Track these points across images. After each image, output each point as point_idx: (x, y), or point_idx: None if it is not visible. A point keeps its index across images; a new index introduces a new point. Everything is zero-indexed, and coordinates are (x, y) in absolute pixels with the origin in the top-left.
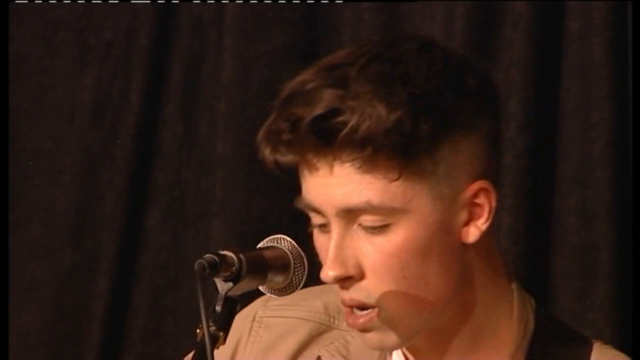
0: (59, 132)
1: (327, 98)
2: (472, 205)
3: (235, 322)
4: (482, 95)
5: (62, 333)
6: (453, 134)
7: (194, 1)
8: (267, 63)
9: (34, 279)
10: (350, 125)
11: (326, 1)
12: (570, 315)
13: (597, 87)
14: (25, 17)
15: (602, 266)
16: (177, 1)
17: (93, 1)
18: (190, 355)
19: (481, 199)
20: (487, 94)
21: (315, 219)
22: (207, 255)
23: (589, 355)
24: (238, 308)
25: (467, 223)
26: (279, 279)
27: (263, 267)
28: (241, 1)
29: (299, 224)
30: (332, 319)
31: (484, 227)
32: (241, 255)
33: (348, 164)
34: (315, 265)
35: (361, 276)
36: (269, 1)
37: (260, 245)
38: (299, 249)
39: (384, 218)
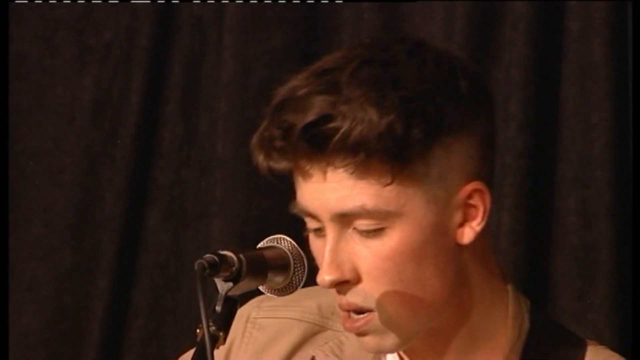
0: (59, 132)
1: (318, 104)
2: (467, 206)
3: None
4: (474, 97)
5: (62, 333)
6: (446, 136)
7: (194, 1)
8: (267, 63)
9: (34, 279)
10: (342, 131)
11: (326, 1)
12: (570, 316)
13: (597, 87)
14: (25, 17)
15: (602, 266)
16: (177, 1)
17: (93, 1)
18: (186, 354)
19: (475, 200)
20: (479, 95)
21: (311, 224)
22: (207, 255)
23: (584, 355)
24: (238, 308)
25: (461, 224)
26: (279, 279)
27: (263, 267)
28: (241, 1)
29: (299, 224)
30: (325, 320)
31: (478, 228)
32: (241, 255)
33: (341, 170)
34: (314, 266)
35: (357, 280)
36: (269, 1)
37: (260, 245)
38: (299, 249)
39: (379, 222)
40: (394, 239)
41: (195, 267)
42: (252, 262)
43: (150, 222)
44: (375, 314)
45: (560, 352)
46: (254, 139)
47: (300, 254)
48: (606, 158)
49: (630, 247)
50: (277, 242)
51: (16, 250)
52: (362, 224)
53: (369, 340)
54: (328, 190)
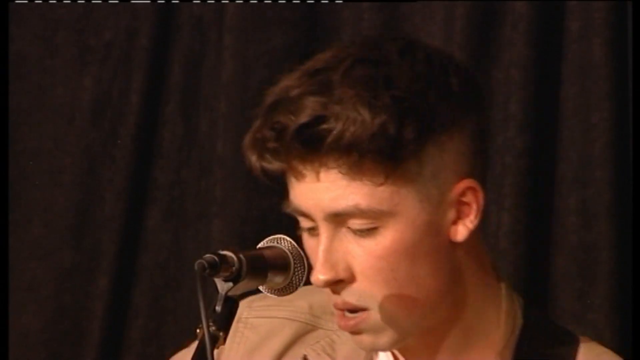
0: (59, 132)
1: (311, 105)
2: (460, 204)
3: None
4: (466, 94)
5: (62, 333)
6: (438, 134)
7: (194, 1)
8: (267, 63)
9: (34, 279)
10: (335, 132)
11: (326, 1)
12: (570, 315)
13: (597, 87)
14: (25, 17)
15: (602, 266)
16: (177, 1)
17: (93, 1)
18: (180, 353)
19: (468, 198)
20: (471, 92)
21: (304, 223)
22: (207, 255)
23: (576, 352)
24: (238, 308)
25: (455, 222)
26: (279, 279)
27: (263, 267)
28: (241, 1)
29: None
30: (317, 319)
31: (472, 225)
32: (241, 255)
33: (334, 170)
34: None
35: (352, 279)
36: (269, 1)
37: (260, 245)
38: (299, 249)
39: (372, 221)
40: (387, 238)
41: (195, 267)
42: (252, 262)
43: (150, 222)
44: (370, 313)
45: (553, 349)
46: (247, 140)
47: (300, 254)
48: (606, 158)
49: (630, 247)
50: (277, 242)
51: (16, 250)
52: (356, 223)
53: (363, 338)
54: (321, 190)
